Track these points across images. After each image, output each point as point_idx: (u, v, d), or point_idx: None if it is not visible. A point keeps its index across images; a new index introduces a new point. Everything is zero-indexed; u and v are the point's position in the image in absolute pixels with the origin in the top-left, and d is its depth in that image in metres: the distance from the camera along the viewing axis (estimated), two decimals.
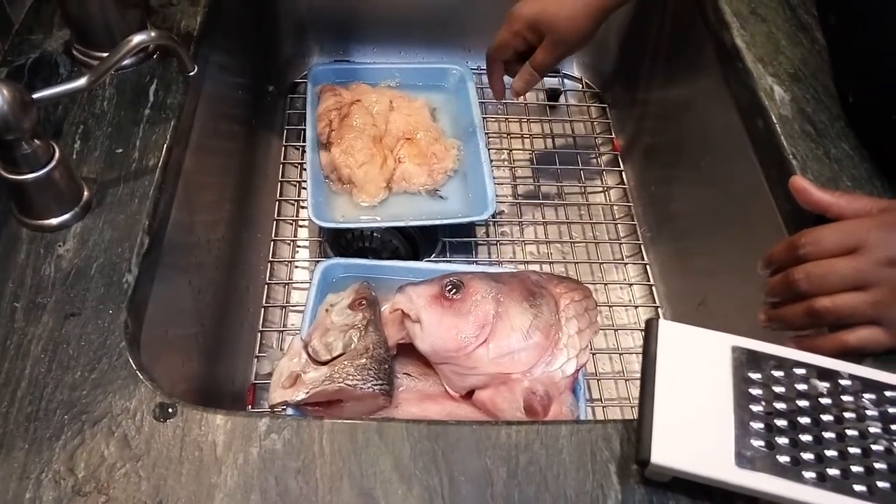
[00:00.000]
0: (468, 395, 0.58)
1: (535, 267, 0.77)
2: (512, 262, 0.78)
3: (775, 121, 0.58)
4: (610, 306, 0.75)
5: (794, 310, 0.46)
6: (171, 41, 0.50)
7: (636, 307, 0.76)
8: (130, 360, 0.43)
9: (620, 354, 0.72)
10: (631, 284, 0.78)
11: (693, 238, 0.73)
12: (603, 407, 0.69)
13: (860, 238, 0.44)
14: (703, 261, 0.71)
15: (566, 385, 0.57)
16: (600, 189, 0.87)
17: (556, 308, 0.60)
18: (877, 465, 0.37)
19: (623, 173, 0.87)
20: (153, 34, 0.49)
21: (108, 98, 0.56)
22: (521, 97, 0.90)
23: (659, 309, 0.76)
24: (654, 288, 0.77)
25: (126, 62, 0.55)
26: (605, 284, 0.77)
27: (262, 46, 0.88)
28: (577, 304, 0.61)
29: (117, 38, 0.55)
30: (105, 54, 0.56)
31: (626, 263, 0.80)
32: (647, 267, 0.79)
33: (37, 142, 0.45)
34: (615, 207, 0.85)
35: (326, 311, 0.61)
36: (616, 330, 0.74)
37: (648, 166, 0.84)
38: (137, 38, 0.47)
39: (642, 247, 0.80)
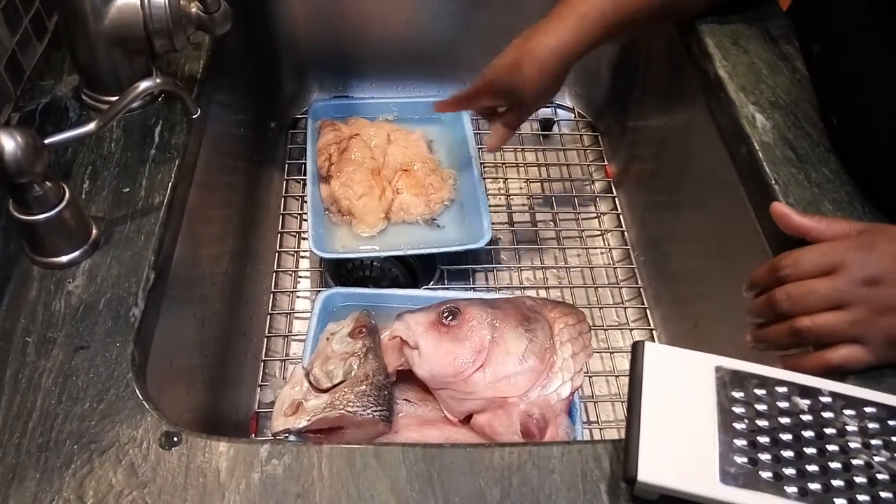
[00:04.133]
0: (466, 419, 0.59)
1: (532, 292, 0.79)
2: (509, 287, 0.80)
3: (757, 147, 0.60)
4: (605, 329, 0.77)
5: (777, 330, 0.48)
6: (175, 87, 0.53)
7: (631, 330, 0.77)
8: (137, 391, 0.45)
9: (616, 377, 0.73)
10: (626, 308, 0.80)
11: (685, 261, 0.75)
12: (600, 429, 0.70)
13: (837, 259, 0.46)
14: (696, 283, 0.73)
15: (562, 408, 0.59)
16: (594, 215, 0.89)
17: (550, 332, 0.62)
18: (857, 480, 0.39)
19: (616, 199, 0.89)
20: (158, 80, 0.51)
21: (116, 139, 0.59)
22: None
23: (653, 332, 0.77)
24: (648, 311, 0.79)
25: (133, 105, 0.58)
26: (601, 308, 0.79)
27: (263, 85, 0.91)
28: (572, 328, 0.63)
29: (124, 83, 0.58)
30: (112, 98, 0.59)
31: (620, 287, 0.81)
32: (642, 290, 0.80)
33: (48, 184, 0.47)
34: (609, 233, 0.87)
35: (327, 339, 0.63)
36: (612, 353, 0.75)
37: (641, 192, 0.86)
38: (143, 85, 0.50)
39: (636, 271, 0.82)
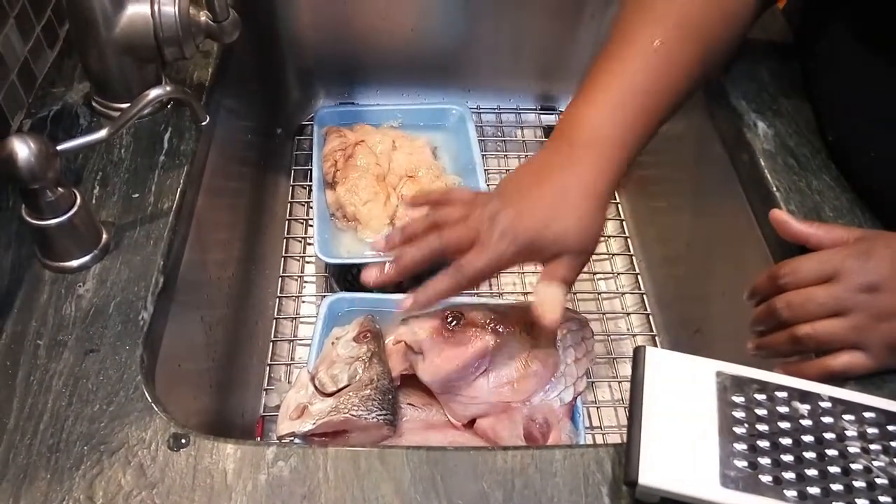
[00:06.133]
0: (470, 423, 0.60)
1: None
2: (513, 293, 0.81)
3: (759, 155, 0.60)
4: (608, 335, 0.77)
5: (778, 337, 0.48)
6: (185, 94, 0.54)
7: (633, 336, 0.78)
8: (146, 393, 0.45)
9: (619, 382, 0.74)
10: (629, 314, 0.80)
11: (687, 268, 0.76)
12: (602, 434, 0.70)
13: (836, 266, 0.46)
14: (698, 290, 0.73)
15: (564, 413, 0.59)
16: None
17: (553, 338, 0.62)
18: (856, 484, 0.39)
19: (619, 206, 0.90)
20: (168, 88, 0.52)
21: (126, 146, 0.60)
22: (520, 135, 0.94)
23: (656, 338, 0.77)
24: (650, 317, 0.79)
25: (143, 112, 0.59)
26: (604, 314, 0.79)
27: (270, 92, 0.92)
28: (575, 334, 0.63)
29: (134, 90, 0.59)
30: (123, 105, 0.60)
31: (623, 294, 0.82)
32: (644, 297, 0.81)
33: (59, 189, 0.48)
34: (612, 239, 0.87)
35: (332, 344, 0.63)
36: (615, 359, 0.75)
37: (643, 199, 0.87)
38: (153, 93, 0.51)
39: (639, 277, 0.83)
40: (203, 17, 0.59)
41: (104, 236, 0.53)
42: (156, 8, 0.57)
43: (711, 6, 0.53)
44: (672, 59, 0.51)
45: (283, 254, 0.83)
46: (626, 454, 0.41)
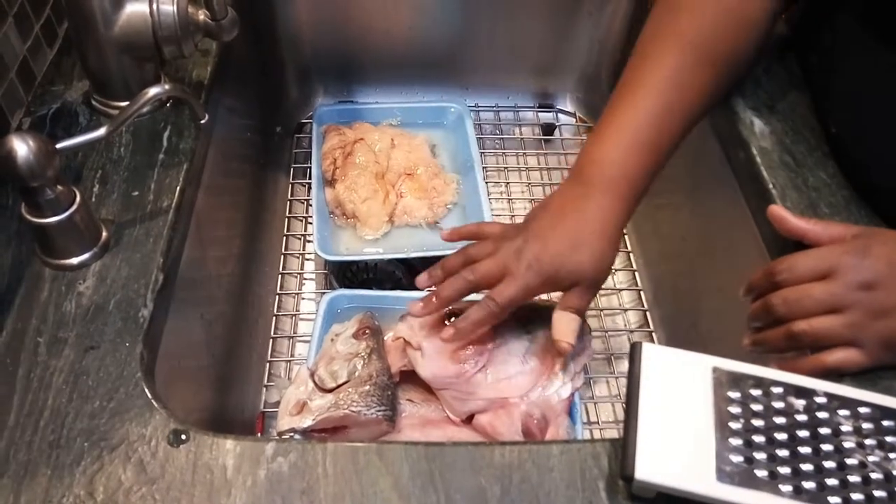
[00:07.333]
0: (468, 419, 0.60)
1: None
2: None
3: (755, 152, 0.61)
4: (605, 332, 0.78)
5: (774, 334, 0.49)
6: (184, 93, 0.54)
7: (630, 332, 0.78)
8: (146, 390, 0.46)
9: (616, 378, 0.74)
10: (626, 310, 0.81)
11: (684, 264, 0.76)
12: (600, 429, 0.71)
13: (833, 263, 0.47)
14: (694, 286, 0.73)
15: (562, 408, 0.60)
16: None
17: (551, 334, 0.62)
18: (851, 478, 0.39)
19: None
20: (167, 87, 0.52)
21: (125, 144, 0.60)
22: (518, 133, 0.94)
23: (653, 333, 0.78)
24: (647, 314, 0.79)
25: (142, 111, 0.59)
26: (601, 311, 0.80)
27: (269, 90, 0.92)
28: None
29: (133, 88, 0.59)
30: (122, 104, 0.61)
31: (620, 290, 0.82)
32: (641, 293, 0.81)
33: (59, 187, 0.48)
34: None
35: (332, 340, 0.63)
36: (612, 355, 0.76)
37: None
38: (152, 92, 0.51)
39: (636, 274, 0.83)
40: (202, 15, 0.59)
41: (104, 234, 0.53)
42: (154, 6, 0.57)
43: (728, 18, 0.55)
44: (686, 85, 0.55)
45: (283, 251, 0.84)
46: (623, 449, 0.41)
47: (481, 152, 0.88)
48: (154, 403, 0.45)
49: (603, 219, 0.53)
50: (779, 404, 0.42)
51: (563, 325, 0.55)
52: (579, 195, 0.54)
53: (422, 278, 0.58)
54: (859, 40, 0.57)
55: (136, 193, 0.57)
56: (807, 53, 0.66)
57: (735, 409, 0.42)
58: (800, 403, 0.42)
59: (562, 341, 0.55)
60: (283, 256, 0.83)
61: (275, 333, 0.77)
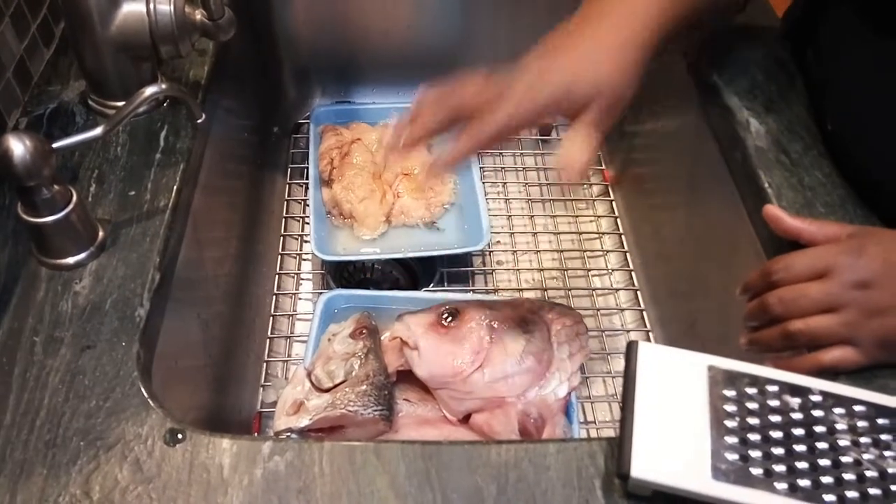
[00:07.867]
0: (465, 419, 0.60)
1: (530, 294, 0.80)
2: (507, 290, 0.81)
3: (751, 152, 0.61)
4: (602, 331, 0.78)
5: (770, 333, 0.49)
6: (181, 93, 0.54)
7: (627, 331, 0.78)
8: (142, 389, 0.45)
9: (613, 377, 0.74)
10: (623, 310, 0.81)
11: (681, 263, 0.76)
12: (596, 428, 0.71)
13: (828, 262, 0.47)
14: (692, 286, 0.73)
15: (559, 407, 0.60)
16: (592, 218, 0.89)
17: (548, 333, 0.63)
18: (845, 476, 0.39)
19: (613, 203, 0.90)
20: (164, 86, 0.52)
21: (122, 144, 0.60)
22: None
23: (650, 333, 0.78)
24: (644, 313, 0.79)
25: (139, 110, 0.59)
26: (598, 311, 0.80)
27: (266, 90, 0.92)
28: (569, 330, 0.64)
29: (130, 88, 0.59)
30: (119, 103, 0.61)
31: (617, 290, 0.82)
32: (638, 293, 0.81)
33: (56, 187, 0.48)
34: (606, 236, 0.88)
35: (329, 340, 0.64)
36: (609, 354, 0.76)
37: (637, 196, 0.87)
38: (149, 91, 0.51)
39: (633, 273, 0.83)
40: (198, 15, 0.59)
41: (100, 234, 0.53)
42: (151, 6, 0.57)
43: None
44: None
45: (280, 251, 0.84)
46: (619, 447, 0.41)
47: (478, 152, 0.88)
48: (150, 403, 0.45)
49: (621, 35, 0.45)
50: (774, 402, 0.42)
51: (575, 147, 0.43)
52: (597, 8, 0.46)
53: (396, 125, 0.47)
54: (857, 33, 0.57)
55: (133, 193, 0.57)
56: (803, 49, 0.66)
57: (731, 408, 0.42)
58: (795, 402, 0.42)
59: (568, 168, 0.43)
60: (280, 256, 0.83)
61: (272, 333, 0.77)
